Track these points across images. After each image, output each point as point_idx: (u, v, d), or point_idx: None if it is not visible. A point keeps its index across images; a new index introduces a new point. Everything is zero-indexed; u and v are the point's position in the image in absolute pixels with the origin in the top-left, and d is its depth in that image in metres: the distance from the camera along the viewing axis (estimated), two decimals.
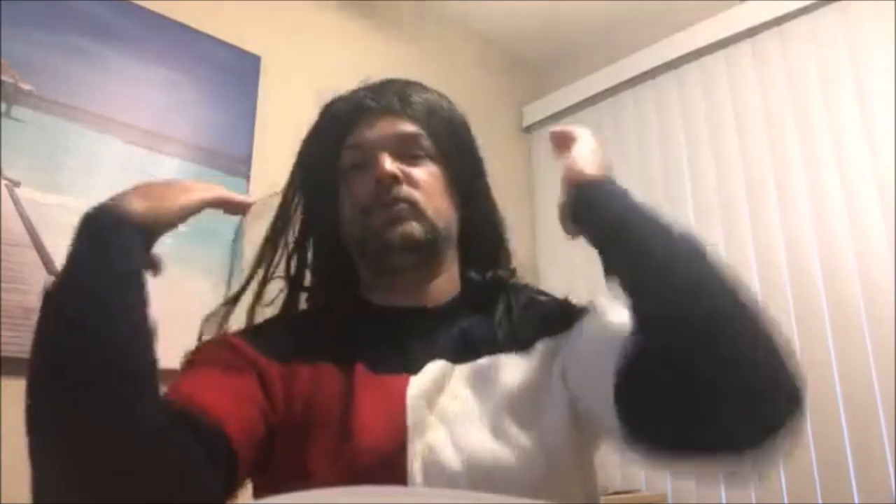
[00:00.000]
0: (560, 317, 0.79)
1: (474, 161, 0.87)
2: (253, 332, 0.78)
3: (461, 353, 0.75)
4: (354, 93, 0.84)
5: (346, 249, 0.82)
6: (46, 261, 1.46)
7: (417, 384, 0.71)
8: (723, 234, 2.09)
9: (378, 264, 0.79)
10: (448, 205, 0.81)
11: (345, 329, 0.78)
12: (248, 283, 0.82)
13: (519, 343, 0.76)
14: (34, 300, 1.43)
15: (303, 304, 0.84)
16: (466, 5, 2.48)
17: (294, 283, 0.84)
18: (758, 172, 2.05)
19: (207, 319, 0.80)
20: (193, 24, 1.82)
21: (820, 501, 1.76)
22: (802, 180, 1.95)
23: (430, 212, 0.78)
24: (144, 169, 1.65)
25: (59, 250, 1.45)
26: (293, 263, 0.84)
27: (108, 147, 1.61)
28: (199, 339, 0.78)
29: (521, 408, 0.70)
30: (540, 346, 0.76)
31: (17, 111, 1.49)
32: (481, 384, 0.72)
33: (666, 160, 2.28)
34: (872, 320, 1.76)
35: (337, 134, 0.81)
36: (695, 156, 2.21)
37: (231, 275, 0.85)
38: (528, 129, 2.72)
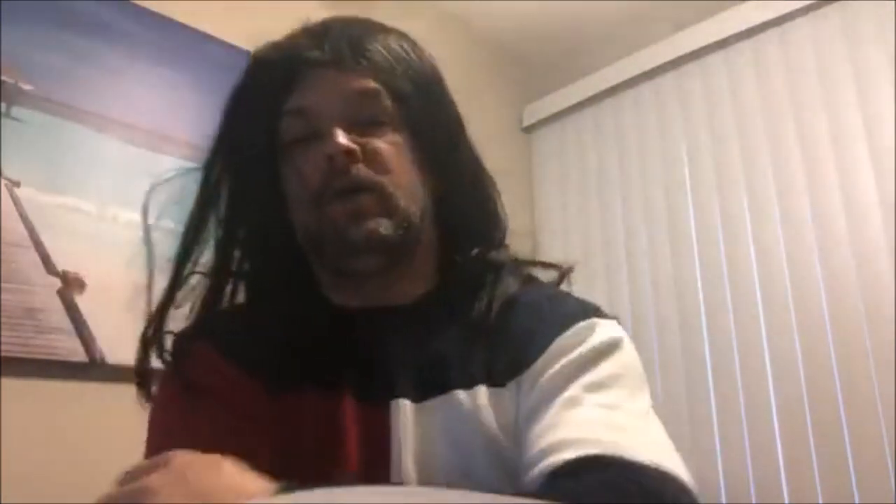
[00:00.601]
0: (535, 340, 0.63)
1: (448, 118, 0.71)
2: (223, 337, 0.65)
3: (432, 378, 0.62)
4: (292, 39, 0.68)
5: (295, 237, 0.68)
6: (46, 261, 1.46)
7: (400, 425, 0.60)
8: (723, 234, 2.09)
9: (336, 268, 0.66)
10: (419, 182, 0.66)
11: (318, 340, 0.65)
12: (176, 282, 0.68)
13: (493, 376, 0.62)
14: (34, 300, 1.43)
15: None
16: (466, 5, 2.48)
17: (224, 277, 0.69)
18: (758, 172, 2.05)
19: (145, 334, 0.67)
20: (193, 24, 1.82)
21: (820, 501, 1.76)
22: (803, 180, 1.95)
23: (400, 199, 0.63)
24: (144, 169, 1.65)
25: (59, 250, 1.46)
26: (221, 254, 0.69)
27: (108, 147, 1.61)
28: (141, 362, 0.66)
29: (491, 471, 0.59)
30: (513, 384, 0.62)
31: (17, 111, 1.49)
32: (452, 425, 0.60)
33: (666, 160, 2.28)
34: (872, 319, 1.76)
35: (273, 95, 0.65)
36: (695, 156, 2.21)
37: (151, 272, 0.71)
38: (528, 129, 2.72)
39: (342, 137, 0.61)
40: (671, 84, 2.32)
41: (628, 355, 0.65)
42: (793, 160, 1.98)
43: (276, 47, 0.68)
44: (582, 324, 0.64)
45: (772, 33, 2.09)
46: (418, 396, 0.62)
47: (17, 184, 1.46)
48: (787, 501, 1.81)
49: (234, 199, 0.69)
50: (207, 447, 0.50)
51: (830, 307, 1.84)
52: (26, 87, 1.51)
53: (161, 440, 0.61)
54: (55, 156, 1.53)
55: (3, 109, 1.47)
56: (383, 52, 0.65)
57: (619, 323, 0.68)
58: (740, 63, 2.15)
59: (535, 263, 0.76)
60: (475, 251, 0.70)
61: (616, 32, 2.52)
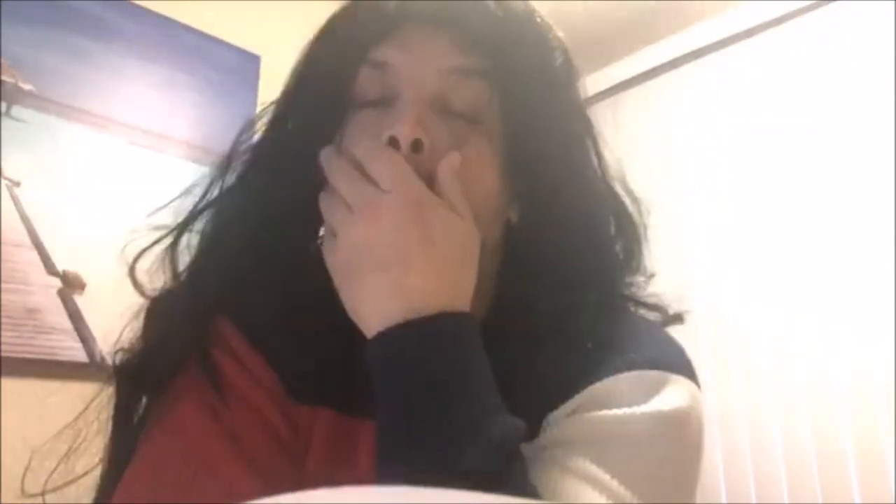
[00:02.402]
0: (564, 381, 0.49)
1: (566, 126, 0.55)
2: (248, 318, 0.53)
3: None
4: None
5: None
6: (46, 261, 1.46)
7: None
8: (723, 235, 2.09)
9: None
10: (499, 205, 0.52)
11: (343, 355, 0.52)
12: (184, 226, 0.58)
13: None
14: (34, 300, 1.43)
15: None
16: None
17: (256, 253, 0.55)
18: (758, 172, 2.05)
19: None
20: (193, 24, 1.82)
21: (821, 501, 1.76)
22: (802, 179, 1.95)
23: None
24: (144, 169, 1.65)
25: (59, 250, 1.46)
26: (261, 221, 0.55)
27: (108, 147, 1.61)
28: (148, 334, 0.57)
29: None
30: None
31: (17, 111, 1.49)
32: None
33: (666, 160, 2.28)
34: (872, 316, 1.76)
35: (357, 40, 0.52)
36: (696, 156, 2.21)
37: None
38: None
39: (415, 121, 0.47)
40: (672, 84, 2.32)
41: (690, 439, 0.49)
42: (794, 158, 1.98)
43: None
44: (649, 372, 0.50)
45: (772, 33, 2.09)
46: None
47: (17, 184, 1.46)
48: (787, 501, 1.81)
49: (288, 150, 0.57)
50: (239, 454, 0.46)
51: (831, 305, 1.83)
52: (26, 87, 1.51)
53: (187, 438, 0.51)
54: (55, 156, 1.53)
55: (3, 109, 1.47)
56: (502, 17, 0.52)
57: (697, 381, 0.53)
58: (740, 63, 2.15)
59: (635, 301, 0.61)
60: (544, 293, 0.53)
61: (616, 32, 2.52)
